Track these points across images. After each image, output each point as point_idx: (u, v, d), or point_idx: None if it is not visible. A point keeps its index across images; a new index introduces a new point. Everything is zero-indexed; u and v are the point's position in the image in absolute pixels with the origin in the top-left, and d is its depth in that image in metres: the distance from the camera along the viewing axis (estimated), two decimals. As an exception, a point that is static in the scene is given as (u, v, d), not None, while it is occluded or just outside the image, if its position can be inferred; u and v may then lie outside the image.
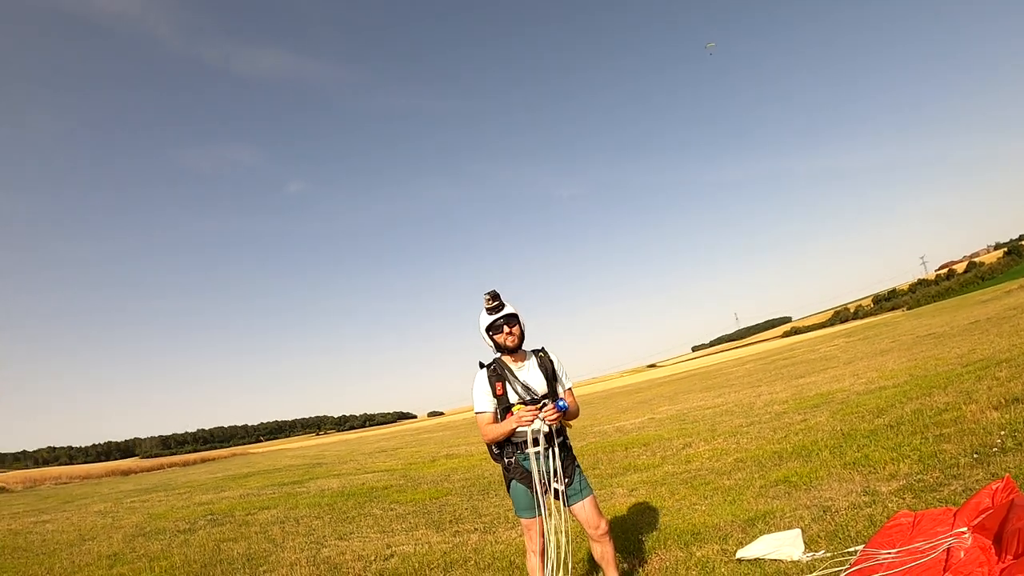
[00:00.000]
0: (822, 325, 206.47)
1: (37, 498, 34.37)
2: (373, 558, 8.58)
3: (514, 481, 4.96)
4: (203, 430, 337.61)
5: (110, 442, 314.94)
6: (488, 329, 5.00)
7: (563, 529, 4.90)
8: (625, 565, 6.08)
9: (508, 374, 4.98)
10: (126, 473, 61.08)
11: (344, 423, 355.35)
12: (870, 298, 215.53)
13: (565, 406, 4.83)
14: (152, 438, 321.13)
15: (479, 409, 4.97)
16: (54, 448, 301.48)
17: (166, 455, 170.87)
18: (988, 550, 3.97)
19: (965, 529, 4.34)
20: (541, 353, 5.19)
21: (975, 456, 6.73)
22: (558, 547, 4.88)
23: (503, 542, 8.27)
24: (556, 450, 4.93)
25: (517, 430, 4.85)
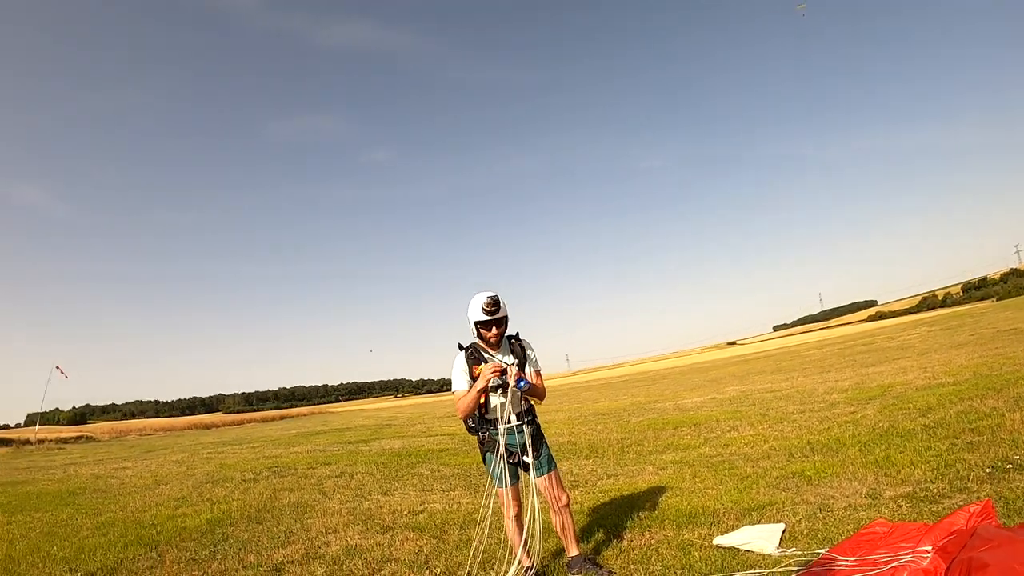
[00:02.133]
0: (908, 311, 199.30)
1: (121, 447, 36.22)
2: (405, 512, 9.22)
3: (488, 454, 5.48)
4: (285, 388, 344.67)
5: (195, 397, 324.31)
6: (479, 323, 5.37)
7: (533, 499, 5.43)
8: (614, 539, 6.43)
9: (484, 356, 5.42)
10: (207, 427, 63.45)
11: (422, 387, 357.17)
12: (959, 286, 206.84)
13: (525, 383, 5.26)
14: (236, 395, 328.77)
15: (456, 387, 5.46)
16: (141, 402, 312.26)
17: (248, 411, 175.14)
18: (938, 574, 3.98)
19: (929, 548, 4.36)
20: (514, 339, 5.64)
21: (989, 470, 6.70)
22: (532, 514, 5.40)
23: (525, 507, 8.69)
24: (537, 427, 5.58)
25: (491, 405, 5.42)
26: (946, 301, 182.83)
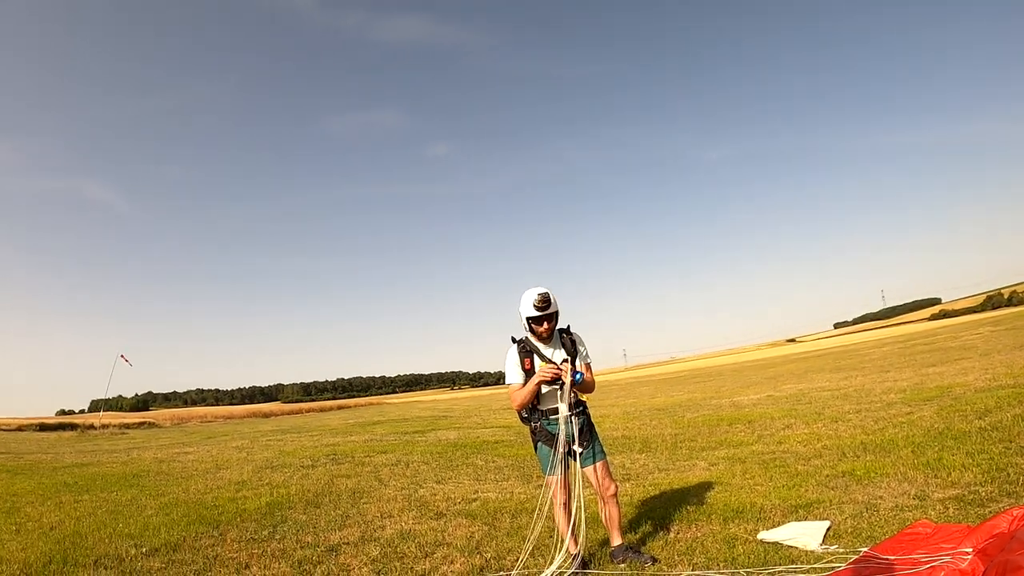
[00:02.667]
0: (972, 310, 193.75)
1: (183, 433, 37.10)
2: (459, 500, 9.45)
3: (540, 443, 5.67)
4: (343, 379, 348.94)
5: (255, 387, 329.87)
6: (531, 319, 5.57)
7: (578, 489, 5.60)
8: (661, 531, 6.56)
9: (536, 350, 5.63)
10: (267, 416, 64.59)
11: (479, 379, 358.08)
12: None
13: (581, 376, 5.49)
14: (294, 384, 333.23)
15: (510, 380, 5.64)
16: (202, 390, 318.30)
17: (306, 401, 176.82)
18: (975, 576, 3.99)
19: (970, 550, 4.40)
20: (565, 332, 5.81)
21: (1041, 474, 6.64)
22: (579, 502, 5.57)
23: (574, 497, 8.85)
24: (588, 418, 5.81)
25: (542, 394, 5.60)
26: (1012, 300, 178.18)
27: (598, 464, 5.71)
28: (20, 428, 47.46)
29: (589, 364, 5.88)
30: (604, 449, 5.88)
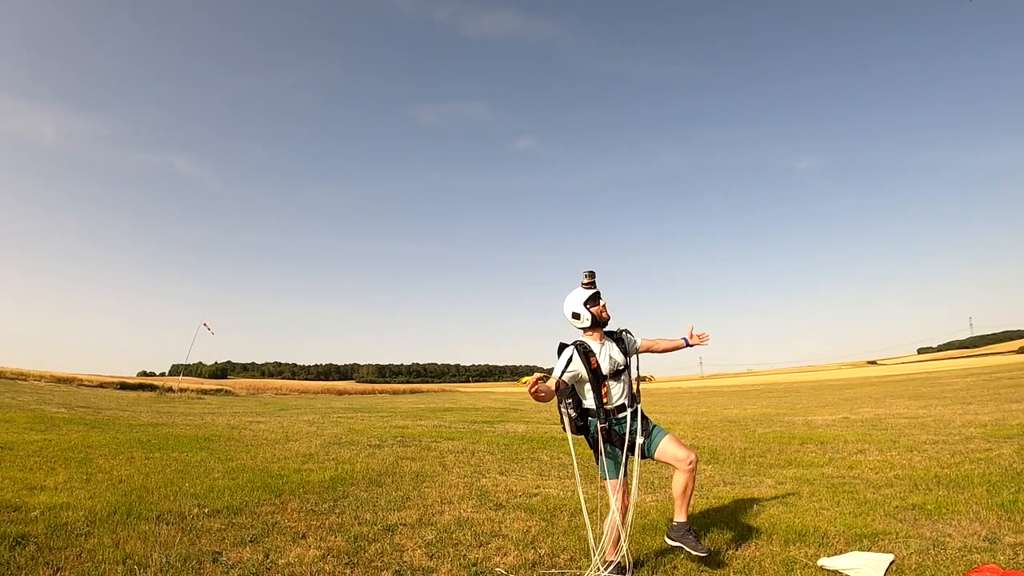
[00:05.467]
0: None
1: (257, 403, 38.04)
2: (520, 493, 9.46)
3: (608, 445, 5.62)
4: (418, 364, 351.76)
5: (331, 364, 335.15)
6: (587, 302, 5.62)
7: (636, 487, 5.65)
8: (719, 547, 6.42)
9: (595, 350, 5.61)
10: (340, 393, 65.85)
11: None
12: None
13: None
14: (370, 365, 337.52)
15: (556, 374, 5.49)
16: (280, 363, 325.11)
17: (380, 383, 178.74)
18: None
19: None
20: (619, 333, 5.90)
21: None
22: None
23: (637, 503, 8.78)
24: (642, 412, 5.78)
25: (610, 392, 5.62)
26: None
27: (668, 437, 5.75)
28: (101, 385, 49.01)
29: (644, 339, 6.04)
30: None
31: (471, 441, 16.96)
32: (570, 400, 5.72)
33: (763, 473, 11.35)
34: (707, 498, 9.20)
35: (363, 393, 69.25)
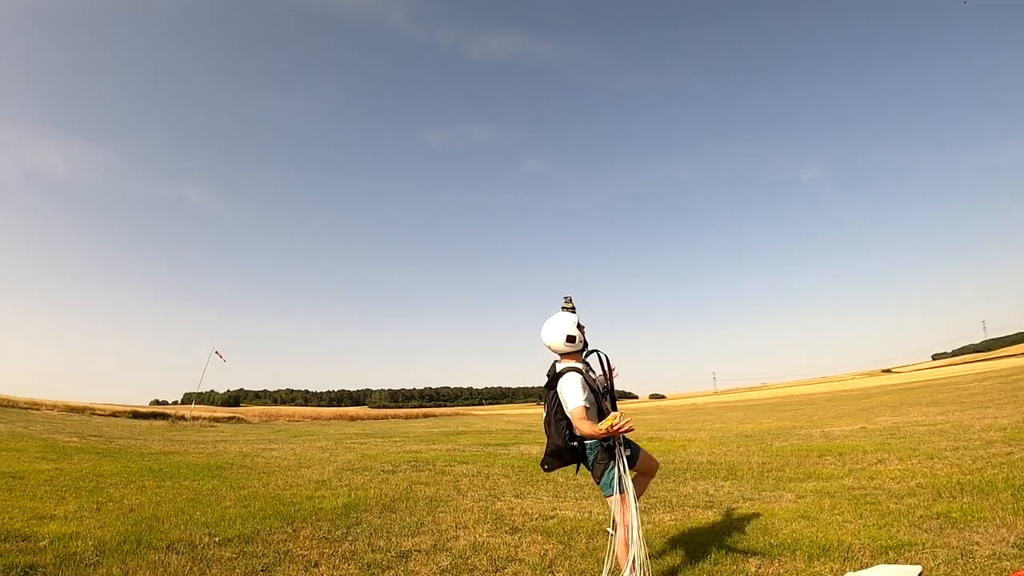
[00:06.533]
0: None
1: (270, 430, 38.07)
2: (536, 516, 9.31)
3: (611, 464, 5.49)
4: (430, 388, 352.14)
5: (343, 390, 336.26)
6: (579, 325, 5.69)
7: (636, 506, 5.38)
8: (741, 565, 6.29)
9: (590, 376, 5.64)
10: (353, 419, 65.93)
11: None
12: None
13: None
14: (382, 391, 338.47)
15: (581, 403, 5.36)
16: (292, 390, 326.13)
17: (392, 407, 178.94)
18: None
19: None
20: (596, 352, 5.97)
21: None
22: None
23: (653, 522, 8.66)
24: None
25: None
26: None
27: (641, 451, 5.90)
28: (114, 414, 49.19)
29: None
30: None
31: (485, 464, 16.79)
32: (566, 431, 5.61)
33: (782, 487, 11.18)
34: (727, 514, 9.05)
35: (376, 418, 69.15)
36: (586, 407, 5.34)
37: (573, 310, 5.73)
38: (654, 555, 5.51)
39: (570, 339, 5.67)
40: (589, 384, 5.50)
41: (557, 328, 5.71)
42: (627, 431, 5.02)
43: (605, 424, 5.03)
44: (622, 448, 5.45)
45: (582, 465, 5.77)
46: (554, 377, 5.65)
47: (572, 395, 5.42)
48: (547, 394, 5.73)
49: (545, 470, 5.78)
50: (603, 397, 5.61)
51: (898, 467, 12.15)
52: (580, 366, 5.64)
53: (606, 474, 5.50)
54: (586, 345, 5.77)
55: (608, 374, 5.88)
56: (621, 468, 5.46)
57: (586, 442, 5.58)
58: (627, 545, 5.24)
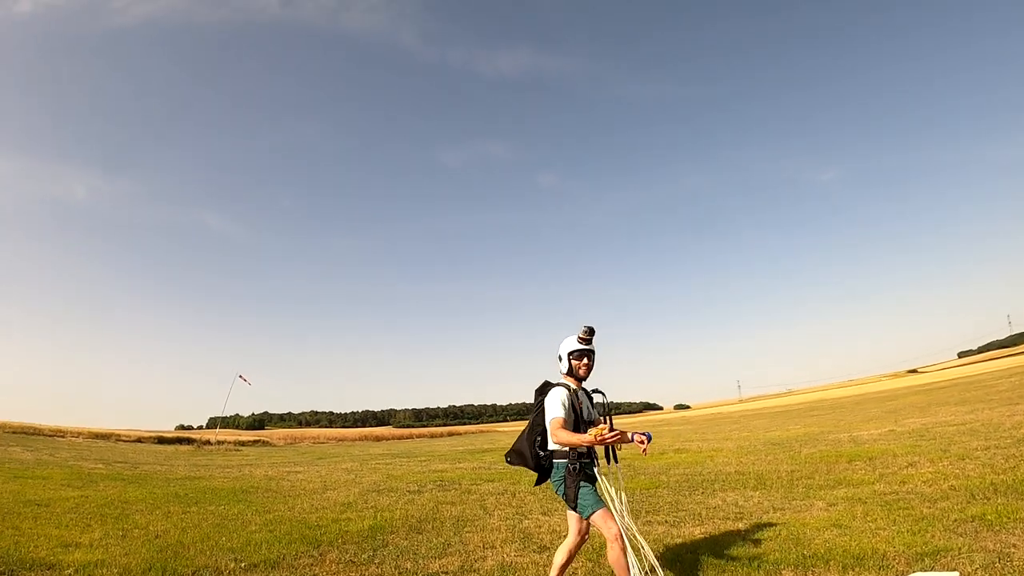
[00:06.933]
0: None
1: (295, 453, 38.30)
2: (564, 533, 9.11)
3: (582, 484, 5.53)
4: (454, 406, 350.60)
5: (368, 411, 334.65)
6: (572, 352, 5.78)
7: (635, 529, 5.53)
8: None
9: (577, 395, 5.75)
10: (378, 439, 66.31)
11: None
12: None
13: (651, 437, 5.78)
14: (406, 410, 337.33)
15: (559, 414, 5.53)
16: (316, 412, 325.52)
17: (417, 427, 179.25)
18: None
19: None
20: (598, 392, 6.07)
21: None
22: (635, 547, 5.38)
23: (683, 536, 8.59)
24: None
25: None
26: None
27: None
28: (139, 440, 49.76)
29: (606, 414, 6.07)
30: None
31: (512, 482, 16.70)
32: (539, 439, 5.81)
33: (813, 495, 11.01)
34: (757, 526, 8.92)
35: (401, 438, 69.40)
36: (564, 419, 5.47)
37: (585, 342, 5.76)
38: (684, 570, 5.40)
39: (560, 358, 5.91)
40: (573, 405, 5.63)
41: (559, 348, 5.92)
42: (612, 441, 5.20)
43: (593, 432, 5.17)
44: (574, 471, 5.55)
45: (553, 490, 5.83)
46: (540, 389, 5.89)
47: (553, 407, 5.59)
48: (535, 402, 5.91)
49: (507, 462, 6.07)
50: (582, 422, 5.65)
51: (929, 470, 11.97)
52: (572, 386, 5.80)
53: (580, 497, 5.50)
54: (576, 376, 5.84)
55: (606, 418, 5.91)
56: (580, 487, 5.51)
57: (555, 461, 5.69)
58: (620, 560, 5.21)
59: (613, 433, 5.19)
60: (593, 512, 5.39)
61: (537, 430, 5.80)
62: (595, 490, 5.49)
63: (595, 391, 6.00)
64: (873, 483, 11.51)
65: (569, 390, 5.70)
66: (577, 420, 5.62)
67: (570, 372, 5.83)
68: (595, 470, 5.61)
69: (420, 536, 9.52)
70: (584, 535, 5.75)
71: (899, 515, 8.48)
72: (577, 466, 5.54)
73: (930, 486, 10.42)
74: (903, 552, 6.59)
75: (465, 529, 10.04)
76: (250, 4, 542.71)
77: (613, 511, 5.36)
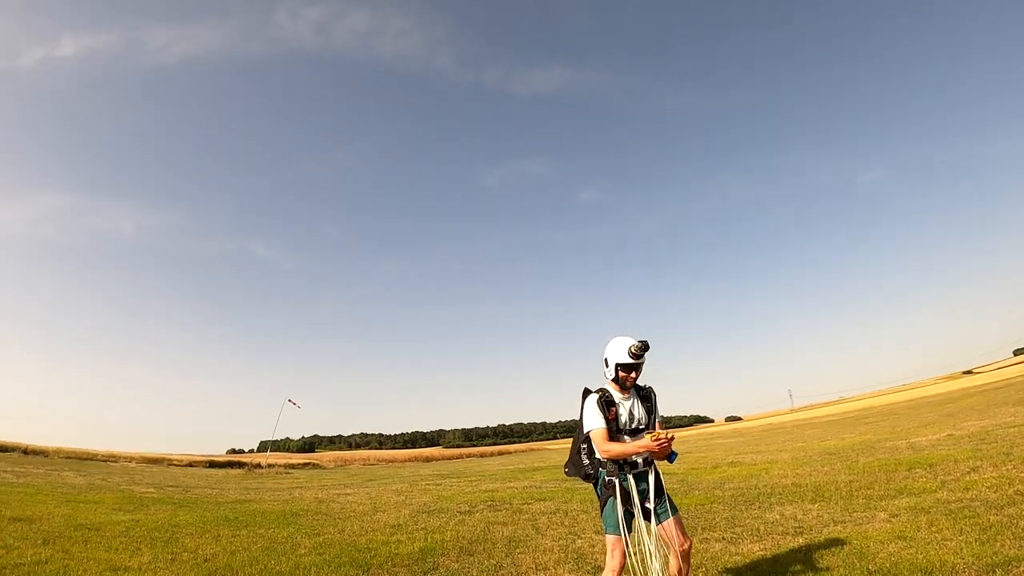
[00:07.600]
0: None
1: (345, 475, 38.55)
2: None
3: (611, 499, 5.42)
4: (503, 425, 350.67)
5: (417, 432, 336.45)
6: (620, 364, 5.58)
7: (655, 551, 5.26)
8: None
9: (615, 401, 5.60)
10: (428, 460, 66.79)
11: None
12: None
13: (675, 456, 5.46)
14: (456, 430, 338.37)
15: (597, 425, 5.49)
16: (366, 434, 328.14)
17: (467, 446, 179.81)
18: None
19: None
20: (647, 390, 5.83)
21: None
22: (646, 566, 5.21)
23: (741, 554, 8.33)
24: (658, 472, 5.59)
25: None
26: None
27: (675, 518, 5.48)
28: (191, 464, 50.86)
29: (660, 420, 5.81)
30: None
31: (563, 500, 16.49)
32: (584, 446, 5.75)
33: (874, 506, 10.70)
34: (818, 540, 8.65)
35: (451, 458, 69.79)
36: (605, 428, 5.44)
37: (635, 356, 5.50)
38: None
39: (605, 362, 5.74)
40: (604, 412, 5.53)
41: (607, 347, 5.76)
42: (660, 451, 5.16)
43: (648, 437, 5.16)
44: (611, 485, 5.48)
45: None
46: (582, 396, 5.80)
47: (587, 418, 5.59)
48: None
49: (565, 474, 6.01)
50: (627, 433, 5.56)
51: (993, 475, 11.61)
52: (608, 391, 5.67)
53: (606, 508, 5.44)
54: (620, 384, 5.66)
55: (651, 412, 5.75)
56: (610, 505, 5.41)
57: (600, 470, 5.61)
58: None
59: (660, 442, 5.09)
60: (608, 533, 5.34)
61: (580, 439, 5.76)
62: (622, 512, 5.32)
63: (649, 388, 5.84)
64: (935, 491, 11.18)
65: (604, 397, 5.60)
66: (613, 429, 5.51)
67: (616, 380, 5.67)
68: (632, 487, 5.45)
69: (471, 558, 9.42)
70: (670, 541, 5.47)
71: (965, 524, 8.19)
72: (612, 480, 5.46)
73: (995, 492, 10.09)
74: (972, 563, 6.34)
75: (517, 550, 9.89)
76: (284, 35, 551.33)
77: (637, 539, 5.28)
